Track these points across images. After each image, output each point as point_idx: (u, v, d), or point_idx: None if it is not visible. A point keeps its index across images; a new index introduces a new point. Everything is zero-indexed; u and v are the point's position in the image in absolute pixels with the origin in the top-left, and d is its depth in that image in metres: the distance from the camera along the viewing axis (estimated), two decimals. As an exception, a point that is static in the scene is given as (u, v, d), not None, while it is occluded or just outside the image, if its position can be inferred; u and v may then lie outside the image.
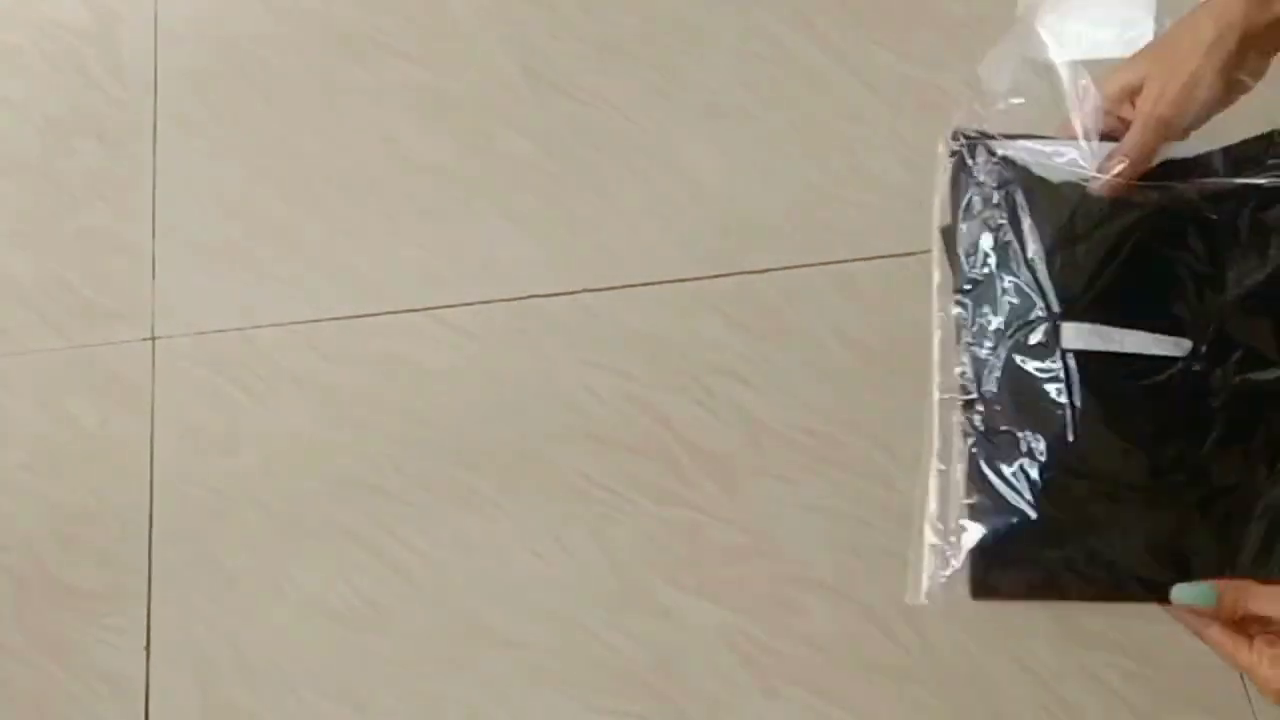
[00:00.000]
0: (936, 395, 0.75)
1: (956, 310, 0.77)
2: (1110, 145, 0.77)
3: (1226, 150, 0.80)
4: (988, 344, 0.76)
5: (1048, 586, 0.71)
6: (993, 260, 0.77)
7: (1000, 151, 0.79)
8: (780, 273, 1.11)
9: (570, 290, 1.12)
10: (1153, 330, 0.73)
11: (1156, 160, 0.78)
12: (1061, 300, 0.74)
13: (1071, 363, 0.73)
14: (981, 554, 0.70)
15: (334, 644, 0.99)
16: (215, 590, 1.01)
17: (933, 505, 0.70)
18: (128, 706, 0.97)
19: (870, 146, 1.15)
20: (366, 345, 1.11)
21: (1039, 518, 0.70)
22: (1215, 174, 0.80)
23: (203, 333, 1.11)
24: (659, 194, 1.15)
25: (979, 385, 0.74)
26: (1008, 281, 0.75)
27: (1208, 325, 0.73)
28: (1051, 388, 0.72)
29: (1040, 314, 0.74)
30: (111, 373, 1.10)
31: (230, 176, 1.19)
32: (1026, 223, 0.77)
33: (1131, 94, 0.78)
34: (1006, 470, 0.71)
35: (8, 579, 1.02)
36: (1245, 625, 0.64)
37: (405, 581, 1.01)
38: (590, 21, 1.24)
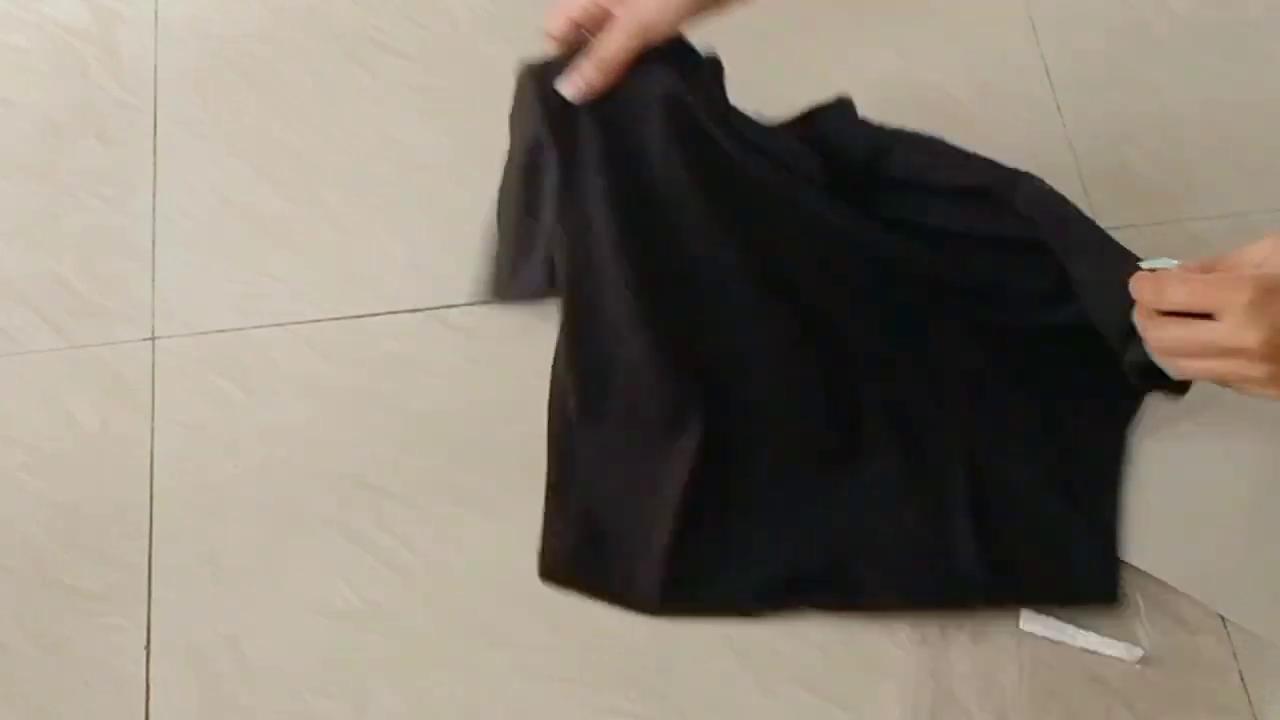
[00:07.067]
0: None
1: None
2: None
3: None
4: None
5: None
6: None
7: None
8: (780, 273, 1.11)
9: (570, 290, 1.11)
10: None
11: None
12: None
13: None
14: None
15: (334, 644, 0.99)
16: (215, 590, 1.01)
17: None
18: (128, 706, 0.97)
19: (870, 146, 1.15)
20: (366, 345, 1.11)
21: None
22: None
23: (203, 333, 1.11)
24: (659, 194, 1.15)
25: None
26: None
27: None
28: None
29: None
30: (111, 373, 1.10)
31: (230, 176, 1.19)
32: None
33: None
34: None
35: (8, 579, 1.02)
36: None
37: (405, 581, 1.01)
38: (590, 21, 1.24)
